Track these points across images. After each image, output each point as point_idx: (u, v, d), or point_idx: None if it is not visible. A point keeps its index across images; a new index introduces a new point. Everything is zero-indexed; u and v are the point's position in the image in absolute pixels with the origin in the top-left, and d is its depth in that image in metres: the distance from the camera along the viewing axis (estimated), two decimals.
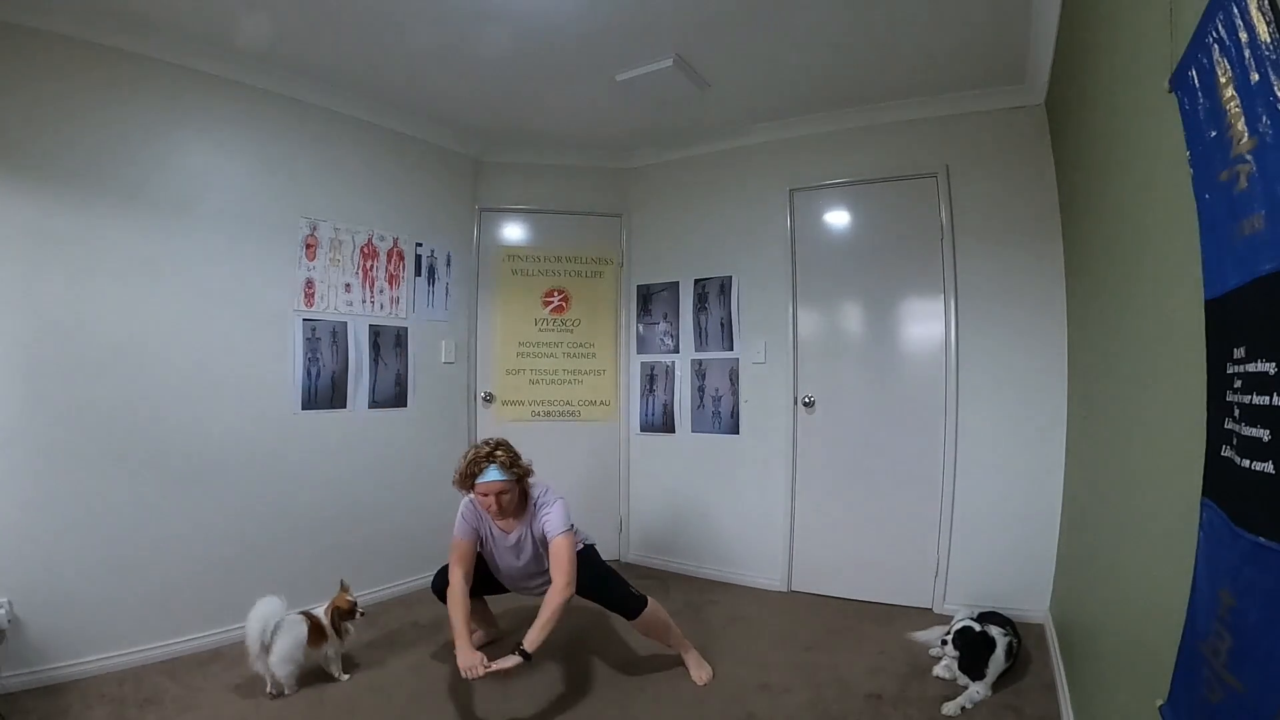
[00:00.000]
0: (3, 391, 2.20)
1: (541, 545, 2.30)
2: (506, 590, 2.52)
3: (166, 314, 2.54)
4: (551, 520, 2.25)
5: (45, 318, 2.28)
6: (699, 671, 2.40)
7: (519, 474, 2.25)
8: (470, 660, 2.00)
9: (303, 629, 2.24)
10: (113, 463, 2.40)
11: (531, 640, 2.04)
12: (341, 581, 2.43)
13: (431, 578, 2.51)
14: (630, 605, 2.32)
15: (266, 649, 2.15)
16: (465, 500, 2.32)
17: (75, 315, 2.34)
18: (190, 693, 2.24)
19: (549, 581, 2.20)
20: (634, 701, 2.24)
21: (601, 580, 2.36)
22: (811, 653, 2.61)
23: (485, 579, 2.45)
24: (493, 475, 2.18)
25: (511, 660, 2.00)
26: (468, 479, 2.22)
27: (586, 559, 2.35)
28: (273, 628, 2.16)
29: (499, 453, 2.22)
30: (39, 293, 2.27)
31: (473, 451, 2.25)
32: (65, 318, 2.32)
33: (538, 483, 2.36)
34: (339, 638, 2.33)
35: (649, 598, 2.37)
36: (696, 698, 2.26)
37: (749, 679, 2.38)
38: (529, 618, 2.16)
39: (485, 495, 2.20)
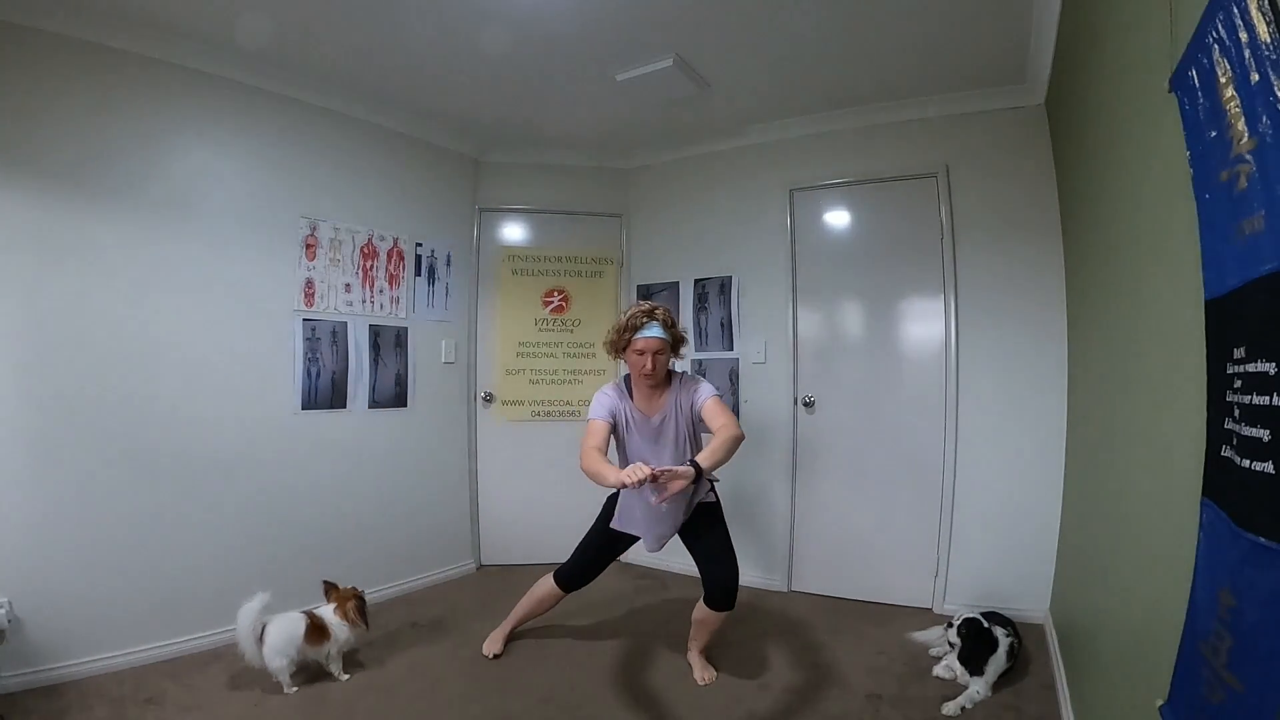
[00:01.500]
0: (2, 391, 2.20)
1: (689, 423, 2.26)
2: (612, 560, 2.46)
3: (166, 314, 2.54)
4: (701, 388, 2.24)
5: (46, 318, 2.28)
6: (704, 672, 2.39)
7: (675, 337, 2.25)
8: (628, 469, 1.83)
9: (299, 626, 2.24)
10: (113, 463, 2.40)
11: (704, 458, 1.96)
12: (324, 582, 2.42)
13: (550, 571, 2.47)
14: (735, 595, 2.22)
15: (260, 641, 2.17)
16: (605, 386, 2.34)
17: (76, 315, 2.34)
18: (190, 693, 2.24)
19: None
20: (634, 700, 2.24)
21: (727, 547, 2.27)
22: (811, 653, 2.61)
23: (598, 558, 2.43)
24: (654, 331, 2.18)
25: (683, 469, 1.88)
26: (626, 332, 2.20)
27: (718, 515, 2.33)
28: (258, 619, 2.18)
29: (659, 311, 2.22)
30: (39, 293, 2.27)
31: (633, 309, 2.23)
32: (66, 318, 2.32)
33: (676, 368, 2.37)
34: (364, 626, 2.36)
35: None
36: (696, 697, 2.26)
37: (749, 679, 2.38)
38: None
39: (641, 354, 2.18)
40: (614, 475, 1.86)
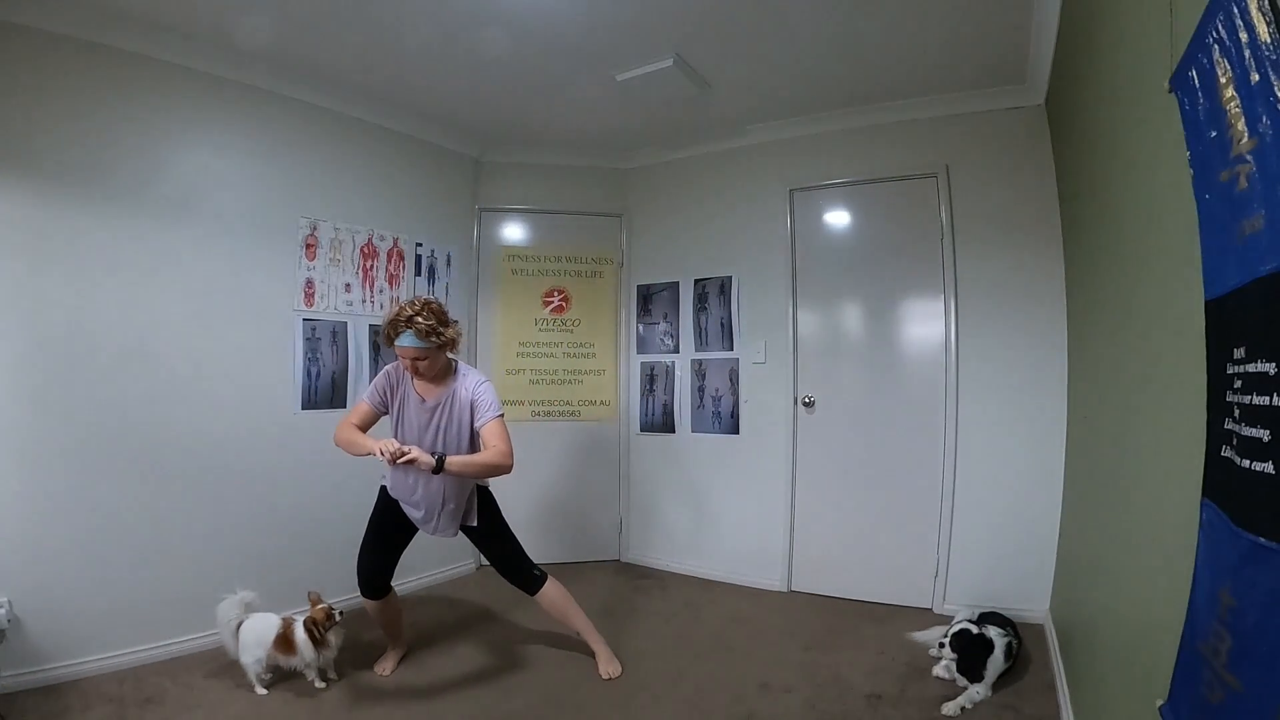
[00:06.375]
0: (2, 391, 2.20)
1: (463, 418, 2.23)
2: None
3: (166, 314, 2.54)
4: (483, 401, 2.21)
5: (45, 318, 2.28)
6: (608, 666, 2.41)
7: (439, 343, 2.14)
8: (388, 441, 2.04)
9: (271, 628, 2.21)
10: (112, 463, 2.40)
11: (452, 461, 2.05)
12: (309, 593, 2.33)
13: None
14: (526, 583, 2.37)
15: (236, 636, 2.18)
16: (392, 364, 2.31)
17: (75, 315, 2.34)
18: (190, 693, 2.24)
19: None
20: (634, 701, 2.24)
21: (501, 555, 2.38)
22: (811, 653, 2.61)
23: (379, 550, 2.38)
24: (408, 341, 2.10)
25: (426, 458, 2.00)
26: (388, 340, 2.16)
27: (496, 513, 2.38)
28: (237, 614, 2.19)
29: (419, 319, 2.09)
30: (39, 293, 2.27)
31: (395, 309, 2.15)
32: (65, 318, 2.32)
33: (462, 363, 2.34)
34: (324, 647, 2.24)
35: (549, 575, 2.41)
36: (697, 696, 2.26)
37: (749, 679, 2.38)
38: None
39: (403, 359, 2.18)
40: (372, 444, 2.04)
